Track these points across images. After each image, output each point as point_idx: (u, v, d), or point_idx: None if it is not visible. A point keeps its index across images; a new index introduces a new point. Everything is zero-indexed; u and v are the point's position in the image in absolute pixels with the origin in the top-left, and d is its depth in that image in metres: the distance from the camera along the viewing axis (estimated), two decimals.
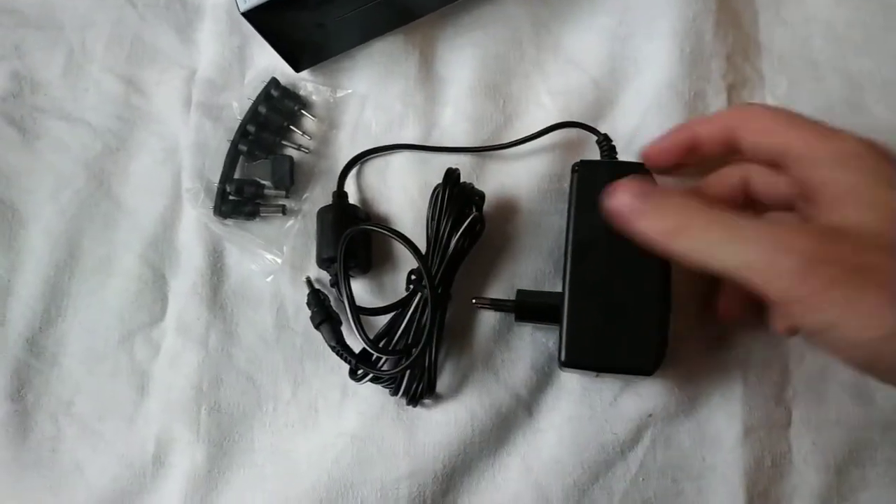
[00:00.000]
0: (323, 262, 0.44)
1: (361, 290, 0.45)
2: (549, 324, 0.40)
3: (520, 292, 0.42)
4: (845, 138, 0.31)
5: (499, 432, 0.43)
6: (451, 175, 0.42)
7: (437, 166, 0.45)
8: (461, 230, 0.41)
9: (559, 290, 0.39)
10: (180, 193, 0.48)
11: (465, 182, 0.43)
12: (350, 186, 0.47)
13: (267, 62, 0.49)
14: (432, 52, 0.49)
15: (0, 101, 0.49)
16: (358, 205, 0.47)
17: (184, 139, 0.48)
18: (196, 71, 0.50)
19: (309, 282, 0.45)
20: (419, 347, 0.40)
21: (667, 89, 0.46)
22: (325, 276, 0.45)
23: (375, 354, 0.41)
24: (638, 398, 0.42)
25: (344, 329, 0.43)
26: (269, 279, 0.46)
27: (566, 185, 0.41)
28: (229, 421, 0.44)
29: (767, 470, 0.41)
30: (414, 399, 0.42)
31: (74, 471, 0.45)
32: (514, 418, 0.43)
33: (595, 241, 0.38)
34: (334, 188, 0.46)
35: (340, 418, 0.44)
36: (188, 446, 0.44)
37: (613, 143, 0.43)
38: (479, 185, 0.45)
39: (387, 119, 0.48)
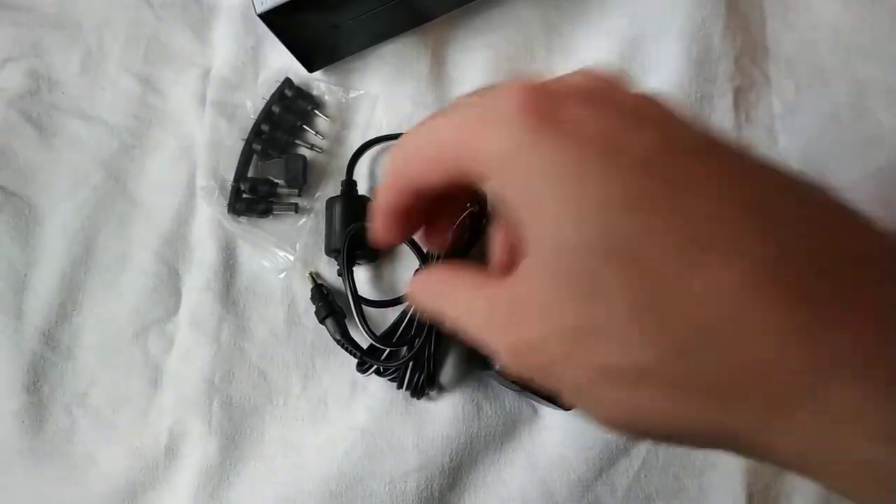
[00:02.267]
0: (331, 252, 0.46)
1: (370, 282, 0.46)
2: None
3: None
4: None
5: (505, 428, 0.43)
6: None
7: None
8: (455, 225, 0.42)
9: None
10: (195, 191, 0.48)
11: None
12: (362, 177, 0.48)
13: (281, 62, 0.49)
14: (444, 53, 0.49)
15: (18, 99, 0.50)
16: (368, 195, 0.48)
17: (199, 137, 0.49)
18: (211, 70, 0.50)
19: (312, 277, 0.46)
20: (420, 340, 0.41)
21: (673, 91, 0.46)
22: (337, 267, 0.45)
23: (379, 347, 0.41)
24: None
25: (350, 323, 0.44)
26: (281, 276, 0.46)
27: None
28: (241, 414, 0.45)
29: (768, 467, 0.42)
30: (417, 391, 0.42)
31: (88, 461, 0.45)
32: (519, 415, 0.44)
33: None
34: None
35: (350, 412, 0.45)
36: (200, 439, 0.45)
37: None
38: None
39: (398, 119, 0.48)
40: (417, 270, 0.41)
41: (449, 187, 0.24)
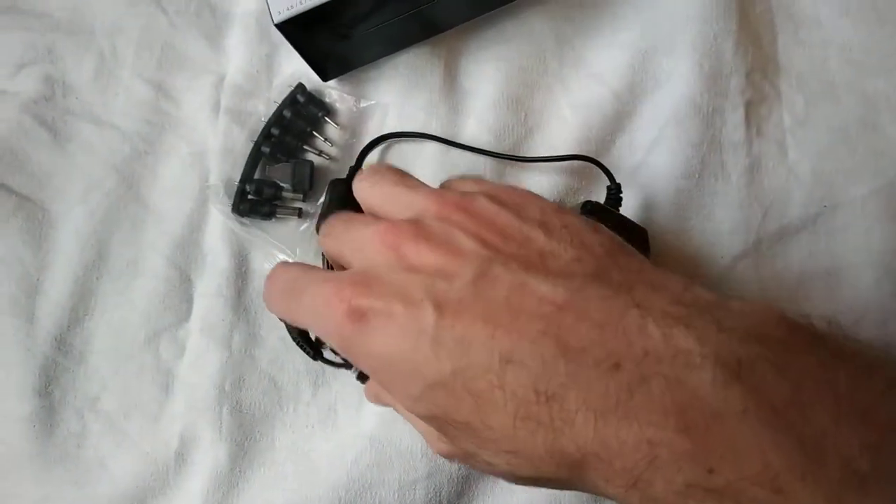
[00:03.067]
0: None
1: None
2: None
3: None
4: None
5: None
6: None
7: (462, 167, 0.47)
8: None
9: None
10: (207, 197, 0.49)
11: None
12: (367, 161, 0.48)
13: (294, 70, 0.50)
14: (457, 64, 0.50)
15: (32, 104, 0.50)
16: None
17: (212, 144, 0.49)
18: (225, 77, 0.51)
19: None
20: None
21: (685, 104, 0.47)
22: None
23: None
24: None
25: None
26: None
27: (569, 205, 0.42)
28: (251, 421, 0.45)
29: None
30: (363, 378, 0.43)
31: (99, 466, 0.46)
32: None
33: None
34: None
35: (359, 420, 0.45)
36: (210, 445, 0.45)
37: (622, 195, 0.44)
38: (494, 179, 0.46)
39: (410, 128, 0.48)
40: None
41: None
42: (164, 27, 0.52)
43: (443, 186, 0.35)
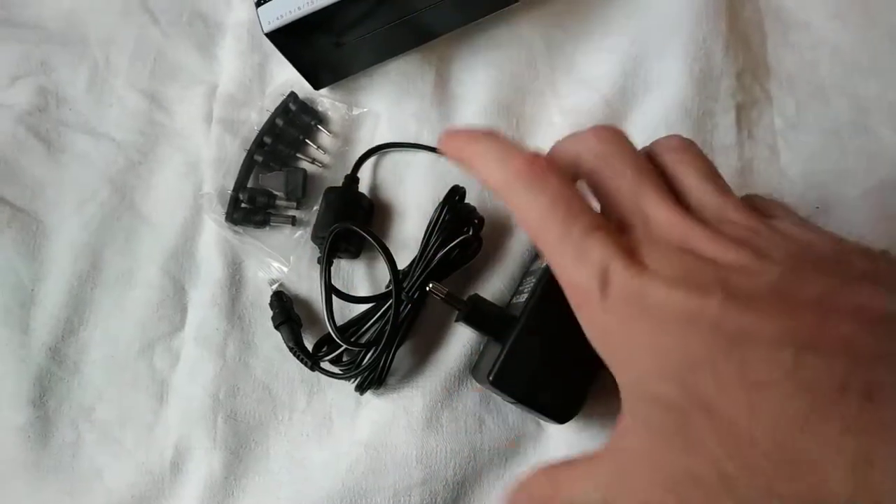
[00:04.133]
0: (317, 239, 0.46)
1: (354, 272, 0.48)
2: (488, 336, 0.41)
3: (475, 296, 0.42)
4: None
5: (508, 443, 0.44)
6: (453, 195, 0.44)
7: (455, 174, 0.47)
8: (447, 249, 0.43)
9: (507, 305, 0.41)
10: (201, 207, 0.49)
11: (466, 203, 0.44)
12: (366, 175, 0.49)
13: (286, 78, 0.50)
14: (448, 71, 0.50)
15: (26, 115, 0.50)
16: (366, 193, 0.48)
17: (205, 154, 0.50)
18: (217, 87, 0.51)
19: (271, 283, 0.47)
20: (377, 350, 0.42)
21: (676, 108, 0.47)
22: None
23: (336, 340, 0.42)
24: None
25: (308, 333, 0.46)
26: (273, 287, 0.47)
27: None
28: (246, 429, 0.45)
29: None
30: (361, 388, 0.43)
31: (94, 476, 0.46)
32: (523, 430, 0.44)
33: (559, 303, 0.39)
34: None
35: (354, 427, 0.45)
36: (205, 453, 0.45)
37: None
38: (489, 196, 0.46)
39: (402, 136, 0.49)
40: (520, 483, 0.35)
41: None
42: (156, 38, 0.52)
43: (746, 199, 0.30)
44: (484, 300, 0.42)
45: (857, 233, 0.45)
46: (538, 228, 0.26)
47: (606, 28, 0.50)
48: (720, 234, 0.25)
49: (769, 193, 0.46)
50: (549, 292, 0.39)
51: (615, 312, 0.24)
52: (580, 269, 0.25)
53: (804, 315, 0.22)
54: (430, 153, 0.48)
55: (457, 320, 0.42)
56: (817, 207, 0.46)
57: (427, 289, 0.41)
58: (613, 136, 0.28)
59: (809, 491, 0.20)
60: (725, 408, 0.22)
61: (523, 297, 0.41)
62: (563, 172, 0.27)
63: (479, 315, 0.41)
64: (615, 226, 0.26)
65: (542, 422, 0.44)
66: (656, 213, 0.26)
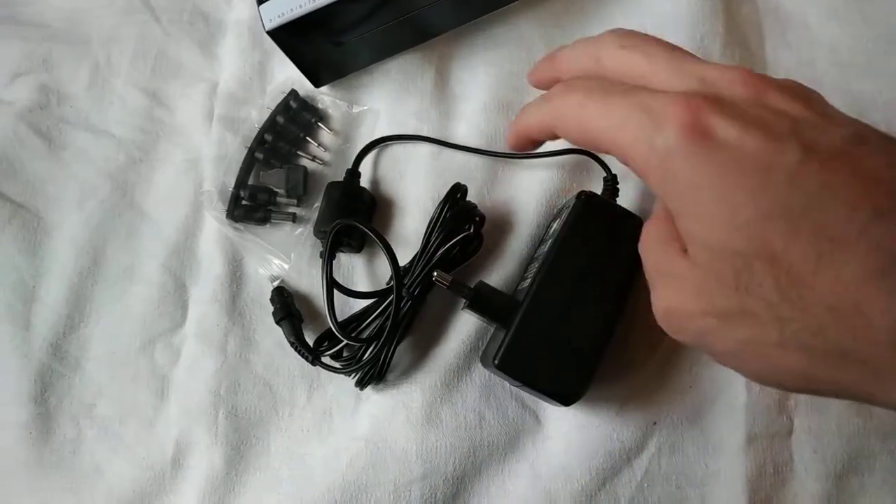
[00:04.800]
0: (319, 233, 0.47)
1: (355, 267, 0.48)
2: (494, 323, 0.42)
3: (480, 283, 0.42)
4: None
5: (508, 438, 0.44)
6: (454, 192, 0.44)
7: (455, 169, 0.48)
8: (448, 246, 0.43)
9: (513, 293, 0.42)
10: (201, 204, 0.49)
11: (468, 201, 0.45)
12: (367, 170, 0.49)
13: (287, 76, 0.50)
14: (447, 69, 0.50)
15: (27, 113, 0.51)
16: (368, 187, 0.49)
17: (206, 151, 0.50)
18: (218, 85, 0.51)
19: (272, 279, 0.47)
20: (377, 346, 0.42)
21: None
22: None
23: (337, 335, 0.42)
24: (643, 407, 0.43)
25: (309, 328, 0.46)
26: (274, 284, 0.47)
27: (562, 200, 0.42)
28: (246, 425, 0.46)
29: (769, 477, 0.42)
30: (361, 383, 0.43)
31: (94, 472, 0.46)
32: (522, 425, 0.44)
33: (571, 269, 0.39)
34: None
35: (354, 423, 0.45)
36: (206, 449, 0.45)
37: (619, 185, 0.45)
38: (488, 192, 0.47)
39: (403, 133, 0.49)
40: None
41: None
42: (158, 36, 0.53)
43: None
44: (489, 287, 0.42)
45: None
46: (595, 124, 0.27)
47: (605, 27, 0.49)
48: (786, 88, 0.25)
49: None
50: (552, 275, 0.39)
51: (683, 153, 0.24)
52: (643, 122, 0.25)
53: (876, 184, 0.23)
54: (430, 149, 0.48)
55: (464, 308, 0.42)
56: None
57: (433, 277, 0.41)
58: (620, 33, 0.30)
59: (855, 334, 0.22)
60: (792, 258, 0.23)
61: (527, 283, 0.41)
62: (592, 78, 0.30)
63: (485, 301, 0.41)
64: None
65: (541, 418, 0.44)
66: (710, 72, 0.26)
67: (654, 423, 0.43)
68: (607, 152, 0.28)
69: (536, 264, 0.41)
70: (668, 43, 0.29)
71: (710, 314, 0.26)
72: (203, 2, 0.53)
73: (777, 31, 0.50)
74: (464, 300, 0.42)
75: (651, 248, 0.30)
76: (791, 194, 0.23)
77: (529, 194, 0.47)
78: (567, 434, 0.44)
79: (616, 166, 0.45)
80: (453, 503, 0.44)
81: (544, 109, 0.31)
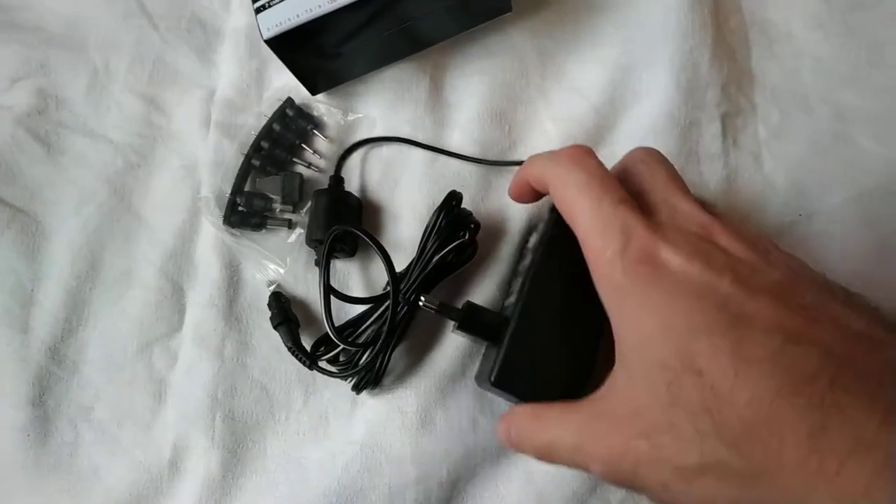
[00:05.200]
0: (312, 242, 0.47)
1: (350, 273, 0.48)
2: (485, 341, 0.42)
3: (468, 304, 0.42)
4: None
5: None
6: (450, 200, 0.45)
7: (450, 177, 0.49)
8: (443, 253, 0.44)
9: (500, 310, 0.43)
10: (198, 209, 0.50)
11: (463, 209, 0.45)
12: (361, 176, 0.50)
13: (284, 84, 0.51)
14: (442, 79, 0.51)
15: (25, 117, 0.51)
16: (362, 194, 0.49)
17: (202, 157, 0.50)
18: (215, 92, 0.52)
19: (269, 285, 0.48)
20: (374, 351, 0.43)
21: (663, 117, 0.48)
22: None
23: (334, 340, 0.42)
24: None
25: (306, 332, 0.47)
26: (270, 289, 0.48)
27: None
28: (243, 429, 0.46)
29: None
30: (358, 388, 0.44)
31: (92, 475, 0.46)
32: None
33: (554, 282, 0.39)
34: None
35: (350, 427, 0.46)
36: (203, 453, 0.46)
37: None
38: (482, 200, 0.48)
39: (398, 144, 0.50)
40: (504, 415, 0.38)
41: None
42: (155, 42, 0.53)
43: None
44: (477, 306, 0.42)
45: (838, 239, 0.47)
46: (573, 200, 0.31)
47: (596, 39, 0.51)
48: (735, 233, 0.29)
49: (753, 201, 0.48)
50: (536, 288, 0.39)
51: (631, 274, 0.28)
52: (605, 231, 0.29)
53: (795, 315, 0.26)
54: (424, 157, 0.49)
55: (454, 330, 0.42)
56: (800, 215, 0.48)
57: (420, 304, 0.42)
58: (649, 150, 0.35)
59: (768, 454, 0.24)
60: (715, 373, 0.25)
61: (513, 298, 0.42)
62: (599, 160, 0.33)
63: (475, 321, 0.42)
64: (642, 208, 0.31)
65: None
66: (682, 205, 0.31)
67: None
68: (574, 231, 0.32)
69: (520, 279, 0.41)
70: (670, 168, 0.34)
71: (641, 439, 0.27)
72: (201, 9, 0.54)
73: (764, 42, 0.51)
74: (453, 322, 0.42)
75: (550, 418, 0.33)
76: (718, 317, 0.26)
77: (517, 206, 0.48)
78: None
79: (603, 150, 0.47)
80: None
81: (549, 168, 0.34)
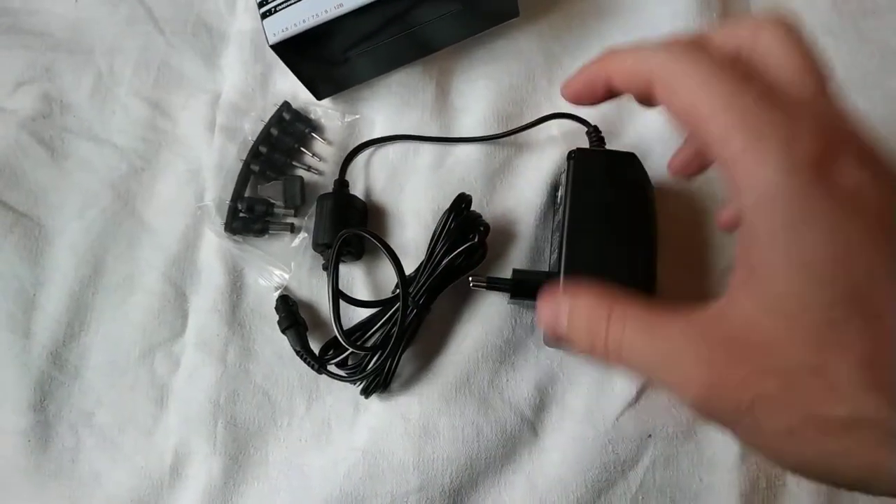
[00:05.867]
0: (318, 247, 0.47)
1: (355, 277, 0.48)
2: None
3: (515, 271, 0.43)
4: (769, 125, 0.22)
5: (504, 450, 0.44)
6: (459, 203, 0.44)
7: (455, 181, 0.48)
8: (453, 255, 0.43)
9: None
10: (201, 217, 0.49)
11: (473, 211, 0.45)
12: (367, 180, 0.50)
13: (288, 88, 0.51)
14: (448, 83, 0.51)
15: (30, 122, 0.51)
16: (367, 199, 0.49)
17: (207, 161, 0.50)
18: (220, 96, 0.52)
19: (276, 289, 0.48)
20: (383, 355, 0.43)
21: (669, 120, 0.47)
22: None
23: (343, 344, 0.42)
24: (638, 419, 0.44)
25: (314, 335, 0.47)
26: (275, 294, 0.47)
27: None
28: (245, 435, 0.46)
29: (762, 491, 0.43)
30: (367, 392, 0.44)
31: (93, 481, 0.46)
32: (519, 437, 0.44)
33: (591, 219, 0.41)
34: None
35: (352, 434, 0.46)
36: (205, 459, 0.45)
37: (602, 133, 0.46)
38: (487, 204, 0.48)
39: (403, 147, 0.50)
40: (545, 291, 0.38)
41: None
42: (161, 47, 0.53)
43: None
44: (525, 271, 0.44)
45: None
46: (697, 95, 0.23)
47: (602, 43, 0.51)
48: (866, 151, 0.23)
49: None
50: (576, 230, 0.40)
51: (798, 187, 0.21)
52: (754, 132, 0.22)
53: None
54: (430, 160, 0.49)
55: (509, 301, 0.43)
56: None
57: (469, 283, 0.43)
58: (779, 23, 0.26)
59: None
60: (891, 318, 0.20)
61: (555, 254, 0.42)
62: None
63: (526, 286, 0.42)
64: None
65: (537, 430, 0.45)
66: (832, 107, 0.25)
67: (650, 435, 0.44)
68: (701, 139, 0.24)
69: (557, 234, 0.42)
70: (812, 55, 0.26)
71: (770, 377, 0.22)
72: (206, 13, 0.54)
73: None
74: (507, 294, 0.43)
75: (644, 321, 0.25)
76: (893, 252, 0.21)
77: (528, 205, 0.48)
78: (563, 446, 0.44)
79: (593, 117, 0.47)
80: None
81: (649, 60, 0.26)
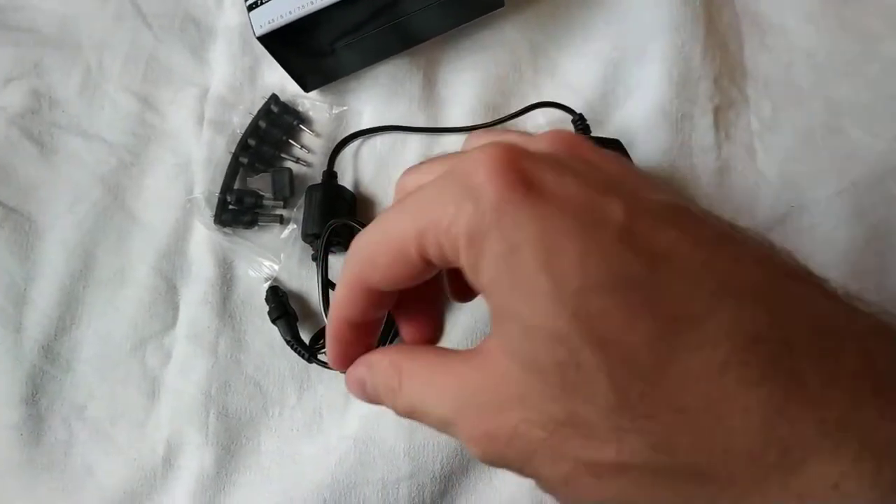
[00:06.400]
0: (307, 237, 0.47)
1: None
2: None
3: None
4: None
5: None
6: None
7: None
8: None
9: None
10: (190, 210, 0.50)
11: None
12: (355, 171, 0.50)
13: (277, 81, 0.51)
14: (435, 74, 0.51)
15: (19, 118, 0.51)
16: (357, 190, 0.49)
17: (196, 154, 0.50)
18: (208, 90, 0.52)
19: (266, 281, 0.48)
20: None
21: (655, 111, 0.48)
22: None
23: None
24: None
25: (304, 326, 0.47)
26: (265, 285, 0.48)
27: None
28: (237, 425, 0.46)
29: None
30: None
31: (86, 473, 0.46)
32: None
33: None
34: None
35: (344, 422, 0.46)
36: (197, 449, 0.45)
37: (588, 121, 0.47)
38: None
39: (391, 137, 0.50)
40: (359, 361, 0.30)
41: (417, 281, 0.23)
42: (149, 41, 0.53)
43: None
44: None
45: (830, 230, 0.47)
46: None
47: (588, 33, 0.51)
48: (595, 149, 0.23)
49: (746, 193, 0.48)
50: None
51: (503, 207, 0.19)
52: (444, 189, 0.21)
53: (720, 253, 0.19)
54: (420, 152, 0.49)
55: None
56: (792, 206, 0.48)
57: None
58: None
59: (710, 444, 0.18)
60: (630, 344, 0.18)
61: None
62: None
63: None
64: None
65: None
66: (511, 136, 0.23)
67: None
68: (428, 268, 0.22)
69: None
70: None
71: (535, 428, 0.20)
72: (194, 8, 0.54)
73: (756, 36, 0.51)
74: None
75: (420, 371, 0.24)
76: (622, 259, 0.18)
77: None
78: None
79: (579, 105, 0.48)
80: (441, 501, 0.44)
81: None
